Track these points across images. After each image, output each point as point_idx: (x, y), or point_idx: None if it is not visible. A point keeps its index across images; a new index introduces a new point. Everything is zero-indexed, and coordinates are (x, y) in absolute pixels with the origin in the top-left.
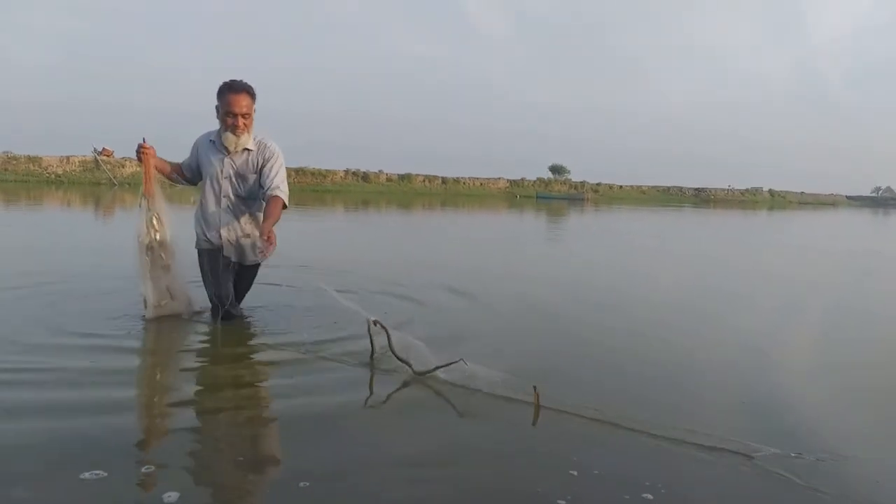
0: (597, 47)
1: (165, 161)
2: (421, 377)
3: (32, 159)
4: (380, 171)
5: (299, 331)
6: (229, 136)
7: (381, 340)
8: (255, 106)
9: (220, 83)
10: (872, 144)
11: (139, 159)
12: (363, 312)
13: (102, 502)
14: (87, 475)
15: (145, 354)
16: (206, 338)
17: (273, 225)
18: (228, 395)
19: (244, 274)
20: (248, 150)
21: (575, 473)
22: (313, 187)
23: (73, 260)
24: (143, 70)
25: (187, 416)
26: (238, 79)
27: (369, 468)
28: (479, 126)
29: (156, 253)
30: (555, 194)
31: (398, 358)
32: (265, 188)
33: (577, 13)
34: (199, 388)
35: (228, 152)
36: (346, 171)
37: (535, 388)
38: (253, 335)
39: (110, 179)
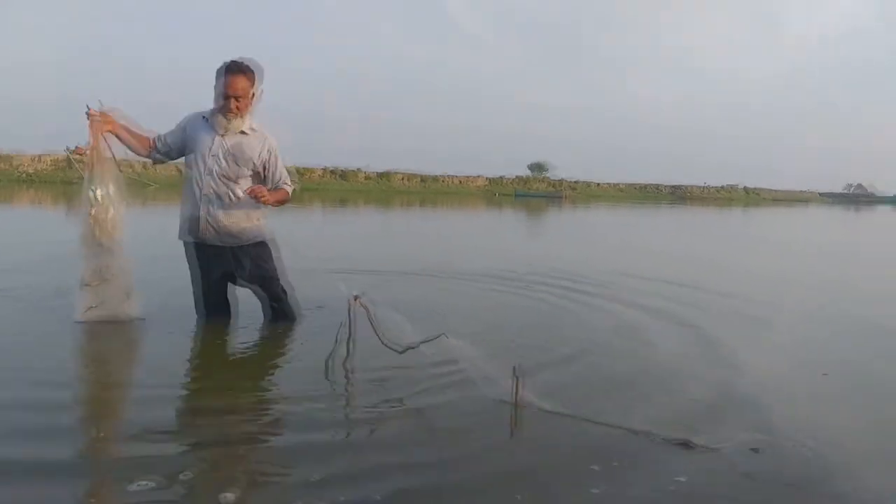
0: (576, 46)
1: (130, 128)
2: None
3: (3, 158)
4: (358, 169)
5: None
6: (220, 118)
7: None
8: (258, 89)
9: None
10: (844, 142)
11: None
12: (344, 289)
13: None
14: (134, 486)
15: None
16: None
17: (276, 201)
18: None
19: (247, 264)
20: (244, 132)
21: (597, 468)
22: None
23: None
24: (124, 66)
25: (209, 422)
26: (241, 59)
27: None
28: (458, 123)
29: (92, 229)
30: (533, 192)
31: (380, 338)
32: (275, 183)
33: (557, 12)
34: (216, 387)
35: (221, 134)
36: (325, 170)
37: (514, 369)
38: (248, 335)
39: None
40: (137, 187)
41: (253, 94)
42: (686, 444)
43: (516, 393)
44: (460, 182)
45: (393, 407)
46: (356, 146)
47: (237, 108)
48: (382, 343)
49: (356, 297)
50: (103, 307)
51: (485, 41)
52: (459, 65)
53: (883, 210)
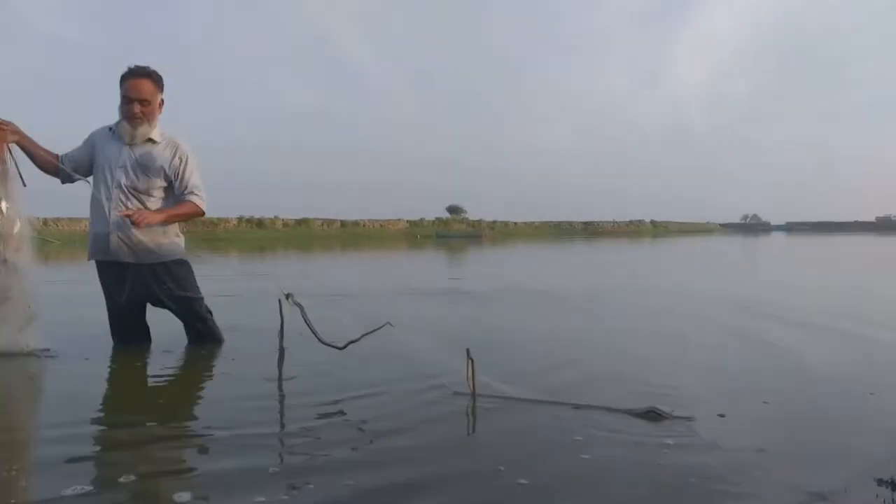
0: (482, 93)
1: (37, 143)
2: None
3: None
4: (275, 216)
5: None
6: (125, 125)
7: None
8: (163, 97)
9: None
10: (737, 176)
11: None
12: (274, 289)
13: None
14: (68, 491)
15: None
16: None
17: (165, 219)
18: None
19: (168, 282)
20: (151, 140)
21: (580, 438)
22: (203, 236)
23: None
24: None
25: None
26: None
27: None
28: (375, 169)
29: None
30: (454, 233)
31: (317, 336)
32: (181, 192)
33: (458, 66)
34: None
35: (127, 143)
36: (240, 219)
37: (467, 352)
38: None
39: None
40: (39, 244)
41: (161, 102)
42: (655, 414)
43: (473, 377)
44: (381, 226)
45: (338, 418)
46: (269, 197)
47: (142, 112)
48: (321, 341)
49: (288, 296)
50: (0, 333)
51: (395, 95)
52: (370, 116)
53: (779, 236)
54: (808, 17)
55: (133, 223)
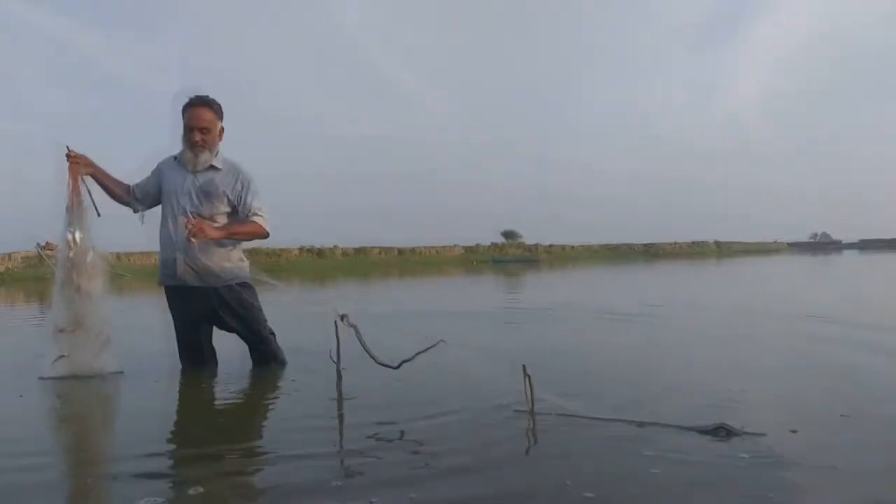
0: (536, 115)
1: (109, 175)
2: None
3: None
4: (334, 246)
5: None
6: (188, 153)
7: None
8: (222, 126)
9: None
10: (805, 192)
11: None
12: (333, 310)
13: None
14: (140, 502)
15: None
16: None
17: (226, 235)
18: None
19: (233, 304)
20: (214, 167)
21: (650, 453)
22: (266, 266)
23: None
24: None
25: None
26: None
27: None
28: (428, 195)
29: (69, 273)
30: (509, 257)
31: (372, 356)
32: (244, 215)
33: (513, 82)
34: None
35: (190, 170)
36: (301, 248)
37: (524, 367)
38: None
39: (55, 273)
40: (112, 277)
41: (221, 130)
42: (725, 431)
43: (531, 394)
44: (437, 252)
45: (397, 438)
46: (328, 227)
47: (203, 140)
48: (376, 362)
49: (342, 317)
50: (76, 358)
51: (449, 115)
52: (422, 138)
53: (851, 254)
54: (874, 22)
55: (191, 234)
